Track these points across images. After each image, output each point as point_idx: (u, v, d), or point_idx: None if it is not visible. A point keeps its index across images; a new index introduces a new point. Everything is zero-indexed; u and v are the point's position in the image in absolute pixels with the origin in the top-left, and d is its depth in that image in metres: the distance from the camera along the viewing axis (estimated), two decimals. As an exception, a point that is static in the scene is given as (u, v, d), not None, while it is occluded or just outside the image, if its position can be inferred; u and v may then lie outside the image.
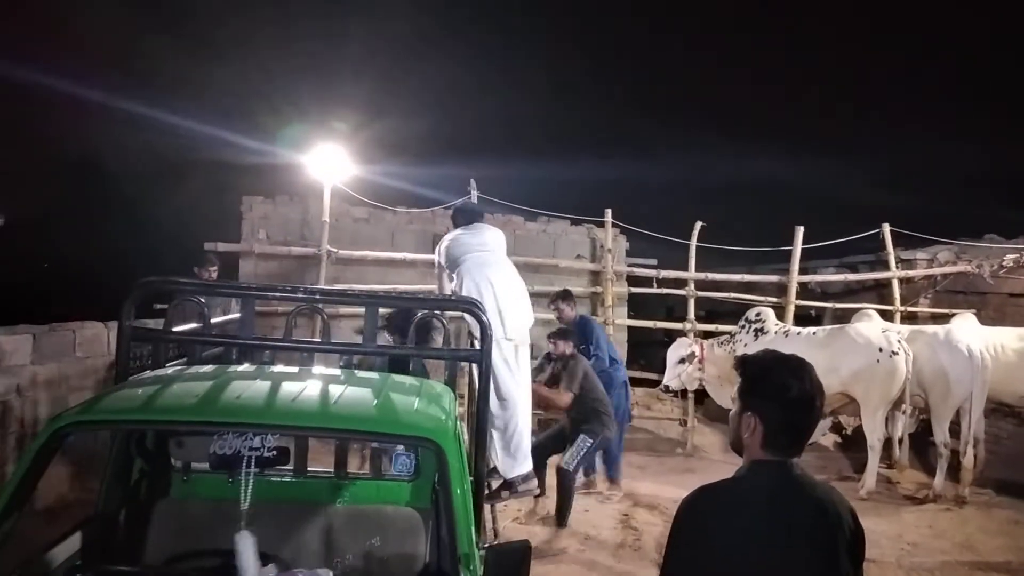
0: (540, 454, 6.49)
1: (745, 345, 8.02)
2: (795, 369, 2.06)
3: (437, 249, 5.38)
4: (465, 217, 5.56)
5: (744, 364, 2.17)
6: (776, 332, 8.22)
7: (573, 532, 6.28)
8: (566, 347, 6.81)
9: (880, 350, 7.53)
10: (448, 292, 5.17)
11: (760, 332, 8.21)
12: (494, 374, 4.77)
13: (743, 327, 8.44)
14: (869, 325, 8.02)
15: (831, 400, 7.79)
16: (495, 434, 4.79)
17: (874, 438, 7.63)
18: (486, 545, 2.75)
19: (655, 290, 9.71)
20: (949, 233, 10.07)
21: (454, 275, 5.14)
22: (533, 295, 5.56)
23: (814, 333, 8.14)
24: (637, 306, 11.25)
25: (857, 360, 7.55)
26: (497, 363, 4.86)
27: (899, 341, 7.59)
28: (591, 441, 6.47)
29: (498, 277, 5.09)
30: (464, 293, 4.90)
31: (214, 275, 7.09)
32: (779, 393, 2.03)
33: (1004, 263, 9.06)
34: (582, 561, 5.73)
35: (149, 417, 2.67)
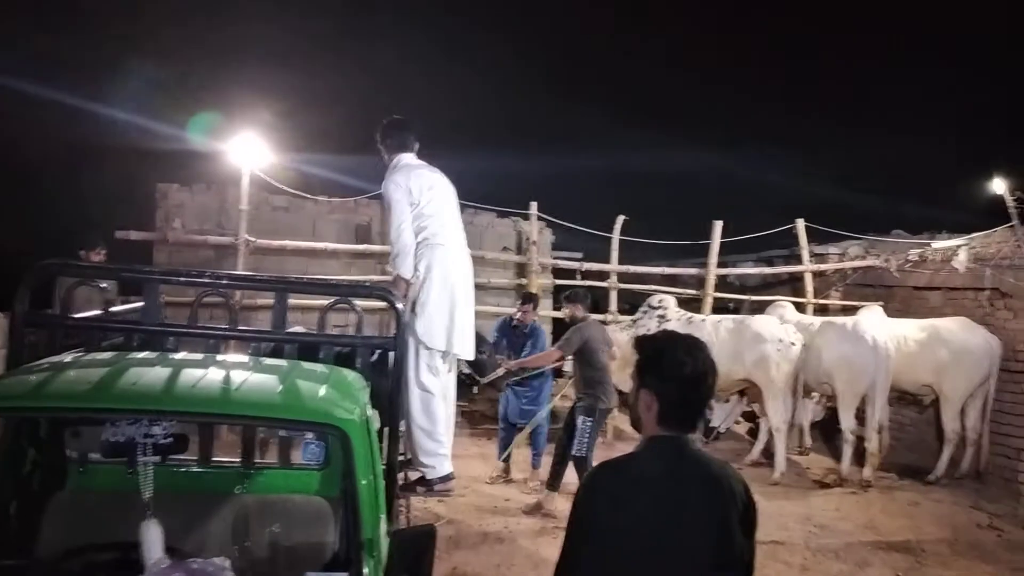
0: (561, 454, 6.61)
1: (648, 331, 8.21)
2: (688, 348, 2.13)
3: (393, 183, 4.78)
4: (402, 138, 4.96)
5: (641, 344, 2.23)
6: (678, 319, 8.49)
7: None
8: (575, 310, 6.80)
9: (780, 340, 7.99)
10: (407, 231, 4.71)
11: (662, 319, 8.48)
12: (427, 389, 4.71)
13: (645, 313, 8.72)
14: (769, 318, 8.49)
15: (733, 385, 8.31)
16: (419, 433, 4.72)
17: (779, 421, 8.02)
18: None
19: (579, 282, 9.81)
20: (860, 228, 10.48)
21: (419, 239, 4.75)
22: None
23: (719, 322, 8.46)
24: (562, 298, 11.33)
25: (759, 349, 7.96)
26: (428, 377, 4.78)
27: (795, 332, 8.12)
28: (591, 420, 6.40)
29: (461, 283, 4.91)
30: (424, 285, 4.74)
31: (103, 259, 6.78)
32: (672, 370, 2.09)
33: (909, 258, 9.46)
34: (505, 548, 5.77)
35: (36, 404, 2.57)
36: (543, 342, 7.47)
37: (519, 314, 7.29)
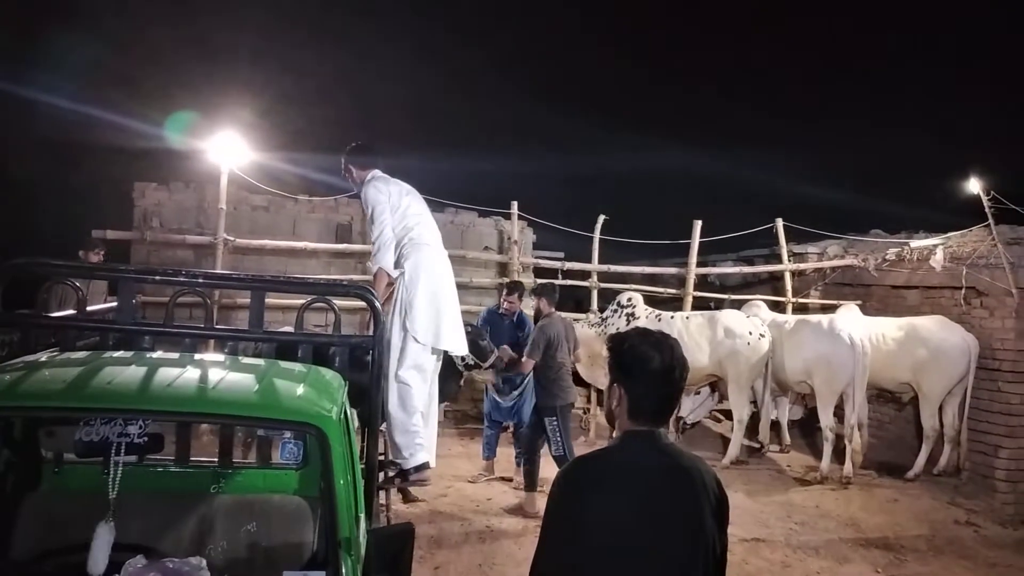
0: (530, 448, 6.66)
1: (617, 328, 8.26)
2: (656, 343, 2.15)
3: (373, 188, 4.95)
4: (370, 158, 5.15)
5: (611, 341, 2.27)
6: (647, 316, 8.58)
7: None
8: (540, 304, 6.79)
9: (749, 333, 8.24)
10: (389, 228, 4.89)
11: (631, 316, 8.55)
12: (404, 382, 4.79)
13: (615, 311, 8.77)
14: (737, 312, 8.79)
15: (701, 379, 8.52)
16: (395, 425, 4.79)
17: (742, 412, 8.31)
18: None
19: (560, 281, 9.82)
20: (839, 228, 10.56)
21: (404, 241, 4.93)
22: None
23: (687, 318, 8.62)
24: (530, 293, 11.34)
25: (728, 343, 8.22)
26: (410, 372, 4.84)
27: (762, 326, 8.41)
28: (556, 419, 6.44)
29: (446, 282, 5.08)
30: (411, 283, 4.86)
31: (101, 260, 6.79)
32: (641, 365, 2.12)
33: (887, 257, 9.53)
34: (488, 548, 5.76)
35: (8, 403, 2.52)
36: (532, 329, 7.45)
37: (505, 304, 7.24)
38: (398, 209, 4.97)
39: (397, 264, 4.93)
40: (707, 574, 2.06)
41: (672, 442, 2.20)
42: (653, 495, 2.07)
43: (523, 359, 6.55)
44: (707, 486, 2.12)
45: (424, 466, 4.86)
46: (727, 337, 8.26)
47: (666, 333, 2.21)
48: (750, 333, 8.27)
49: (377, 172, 5.10)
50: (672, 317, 8.61)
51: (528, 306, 7.65)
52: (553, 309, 6.85)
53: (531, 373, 6.82)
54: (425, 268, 4.94)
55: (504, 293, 7.32)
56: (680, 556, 2.03)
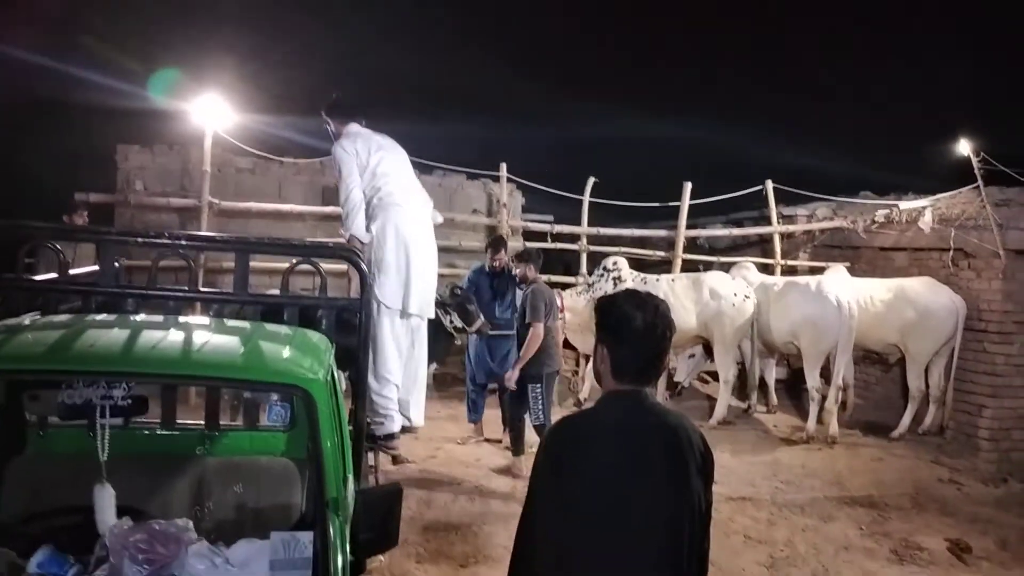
0: (515, 413, 6.64)
1: (604, 292, 8.27)
2: (640, 303, 2.15)
3: (340, 148, 4.86)
4: (349, 112, 5.01)
5: (598, 302, 2.28)
6: (633, 280, 8.61)
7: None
8: (527, 270, 6.56)
9: (734, 295, 8.31)
10: (356, 190, 4.79)
11: (618, 280, 8.58)
12: (377, 346, 4.73)
13: (601, 276, 8.81)
14: (722, 274, 8.84)
15: (688, 340, 8.61)
16: (368, 392, 4.75)
17: (728, 373, 8.41)
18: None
19: (549, 244, 9.79)
20: (828, 190, 10.53)
21: (373, 200, 4.82)
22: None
23: (673, 280, 8.65)
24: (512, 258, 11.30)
25: (713, 305, 8.28)
26: (384, 336, 4.81)
27: (747, 287, 8.48)
28: (539, 386, 6.39)
29: (417, 242, 4.93)
30: (378, 245, 4.78)
31: (85, 222, 6.72)
32: (623, 324, 2.12)
33: (876, 219, 9.53)
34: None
35: None
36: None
37: (495, 262, 7.04)
38: (367, 168, 4.82)
39: (366, 227, 4.84)
40: (692, 531, 2.07)
41: (657, 401, 2.21)
42: (638, 453, 2.07)
43: (532, 328, 6.29)
44: (692, 444, 2.12)
45: (392, 436, 4.86)
46: (712, 299, 8.30)
47: (652, 293, 2.21)
48: (735, 295, 8.32)
49: (354, 127, 4.96)
50: (658, 280, 8.63)
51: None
52: (539, 275, 6.76)
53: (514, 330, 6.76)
54: (392, 230, 4.83)
55: (489, 251, 7.15)
56: (665, 513, 2.04)
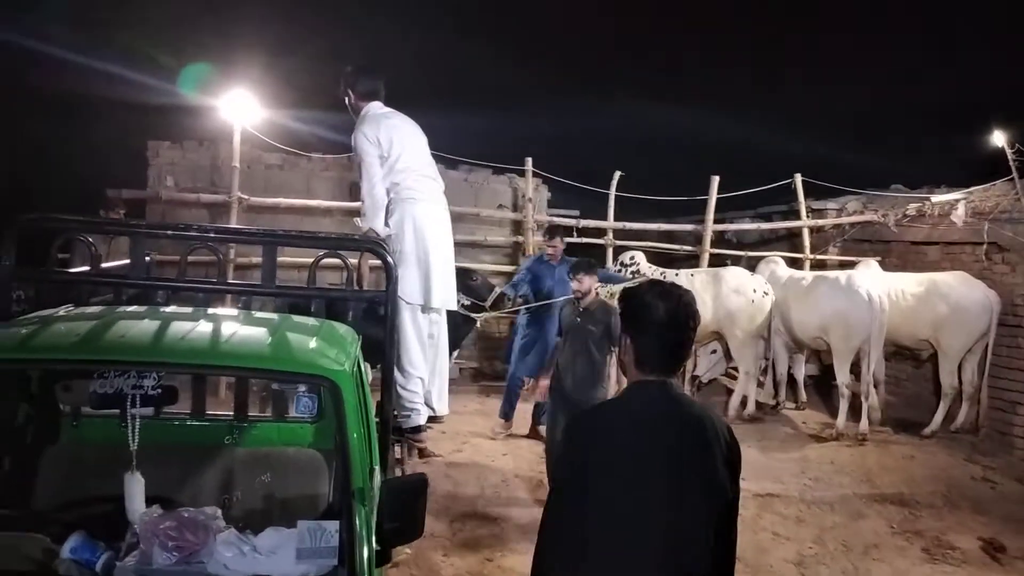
0: None
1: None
2: (663, 292, 2.16)
3: (362, 136, 4.77)
4: (370, 85, 4.89)
5: (623, 293, 2.30)
6: (652, 273, 8.60)
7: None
8: (592, 283, 5.60)
9: (754, 291, 8.24)
10: (379, 186, 4.75)
11: (636, 274, 8.57)
12: (401, 340, 4.73)
13: (619, 271, 8.78)
14: (741, 270, 8.73)
15: (707, 335, 8.52)
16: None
17: (749, 365, 8.35)
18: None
19: (575, 239, 9.76)
20: (858, 184, 10.38)
21: (391, 194, 4.78)
22: (455, 244, 5.42)
23: (692, 275, 8.58)
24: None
25: (733, 300, 8.20)
26: (407, 330, 4.81)
27: (765, 283, 8.43)
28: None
29: (436, 235, 4.92)
30: (397, 240, 4.77)
31: (120, 218, 6.84)
32: (647, 313, 2.13)
33: (907, 212, 9.38)
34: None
35: (24, 356, 2.54)
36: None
37: (550, 250, 7.14)
38: (388, 158, 4.75)
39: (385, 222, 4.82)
40: (720, 522, 2.05)
41: (683, 392, 2.20)
42: (663, 444, 2.06)
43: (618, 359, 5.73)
44: (719, 434, 2.11)
45: (419, 428, 4.88)
46: (731, 294, 8.23)
47: (676, 284, 2.21)
48: (754, 291, 8.24)
49: (374, 106, 4.86)
50: (676, 274, 8.58)
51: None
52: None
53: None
54: (411, 224, 4.81)
55: (545, 238, 7.17)
56: (691, 504, 2.03)
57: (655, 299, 2.12)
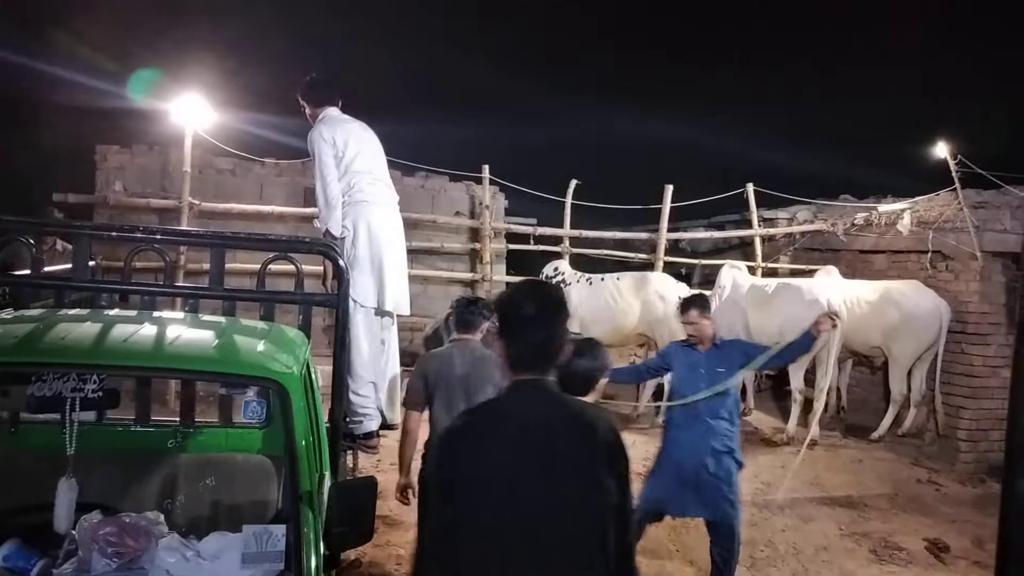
0: None
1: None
2: (531, 291, 2.19)
3: (318, 135, 4.74)
4: (326, 93, 4.92)
5: (496, 298, 2.33)
6: (578, 281, 8.70)
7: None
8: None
9: (679, 298, 8.10)
10: (333, 184, 4.72)
11: (563, 283, 8.60)
12: (352, 344, 4.68)
13: (547, 280, 8.76)
14: (666, 276, 8.86)
15: (632, 337, 8.68)
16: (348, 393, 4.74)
17: None
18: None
19: (532, 247, 9.80)
20: (808, 193, 10.60)
21: (345, 196, 4.76)
22: (411, 251, 5.39)
23: (618, 279, 8.65)
24: (517, 264, 11.32)
25: (659, 306, 8.19)
26: (359, 335, 4.78)
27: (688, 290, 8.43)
28: None
29: (390, 239, 4.92)
30: (352, 242, 4.75)
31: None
32: (515, 313, 2.13)
33: (855, 222, 9.60)
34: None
35: None
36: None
37: (690, 328, 4.75)
38: (343, 159, 4.76)
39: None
40: (608, 527, 2.00)
41: (559, 391, 2.16)
42: (537, 443, 2.00)
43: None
44: (598, 433, 2.06)
45: (371, 435, 4.85)
46: (656, 300, 8.24)
47: (549, 283, 2.22)
48: (679, 298, 8.15)
49: (330, 111, 4.90)
50: (603, 279, 8.67)
51: (494, 278, 7.49)
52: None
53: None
54: (364, 227, 4.81)
55: (678, 312, 4.93)
56: (576, 509, 1.97)
57: (524, 299, 2.13)
